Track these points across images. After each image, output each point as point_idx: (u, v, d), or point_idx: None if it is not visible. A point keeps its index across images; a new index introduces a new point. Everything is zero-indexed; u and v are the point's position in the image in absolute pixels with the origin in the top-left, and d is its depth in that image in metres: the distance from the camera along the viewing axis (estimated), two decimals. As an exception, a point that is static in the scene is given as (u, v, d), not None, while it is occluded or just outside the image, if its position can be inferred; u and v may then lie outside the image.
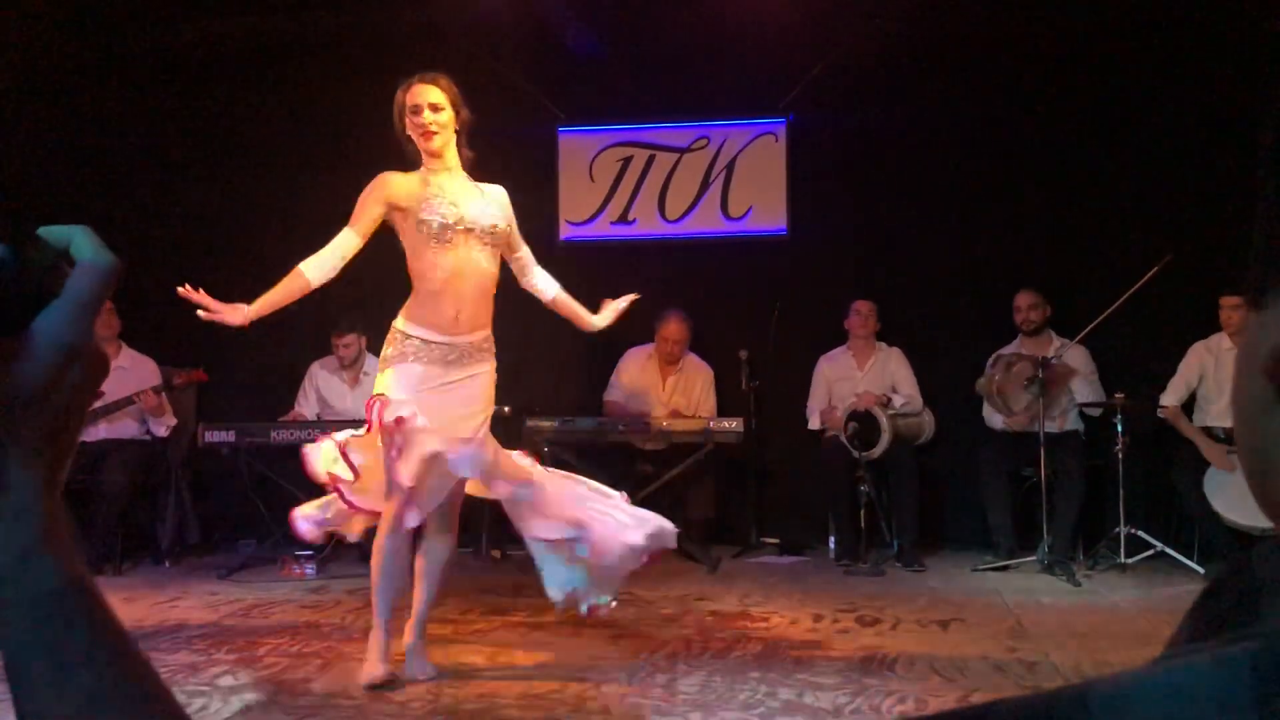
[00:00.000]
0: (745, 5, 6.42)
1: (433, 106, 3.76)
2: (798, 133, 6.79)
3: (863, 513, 5.74)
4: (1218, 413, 5.65)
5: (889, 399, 6.11)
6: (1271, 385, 0.41)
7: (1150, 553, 5.49)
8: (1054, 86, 6.44)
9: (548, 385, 6.80)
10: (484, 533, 6.19)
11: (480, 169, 7.31)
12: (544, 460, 6.19)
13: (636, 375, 6.50)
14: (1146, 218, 6.21)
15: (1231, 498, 5.27)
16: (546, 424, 6.00)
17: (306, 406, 6.46)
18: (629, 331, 6.54)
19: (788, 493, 6.64)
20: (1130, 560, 5.46)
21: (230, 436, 5.88)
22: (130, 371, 6.03)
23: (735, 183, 6.85)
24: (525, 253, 4.01)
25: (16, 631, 0.50)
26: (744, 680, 3.49)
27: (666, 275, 6.87)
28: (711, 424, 5.93)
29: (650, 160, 6.96)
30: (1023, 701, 0.36)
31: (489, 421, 3.76)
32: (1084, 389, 5.91)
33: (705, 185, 6.88)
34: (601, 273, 7.06)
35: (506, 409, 6.51)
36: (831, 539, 6.12)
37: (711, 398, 6.49)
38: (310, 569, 5.66)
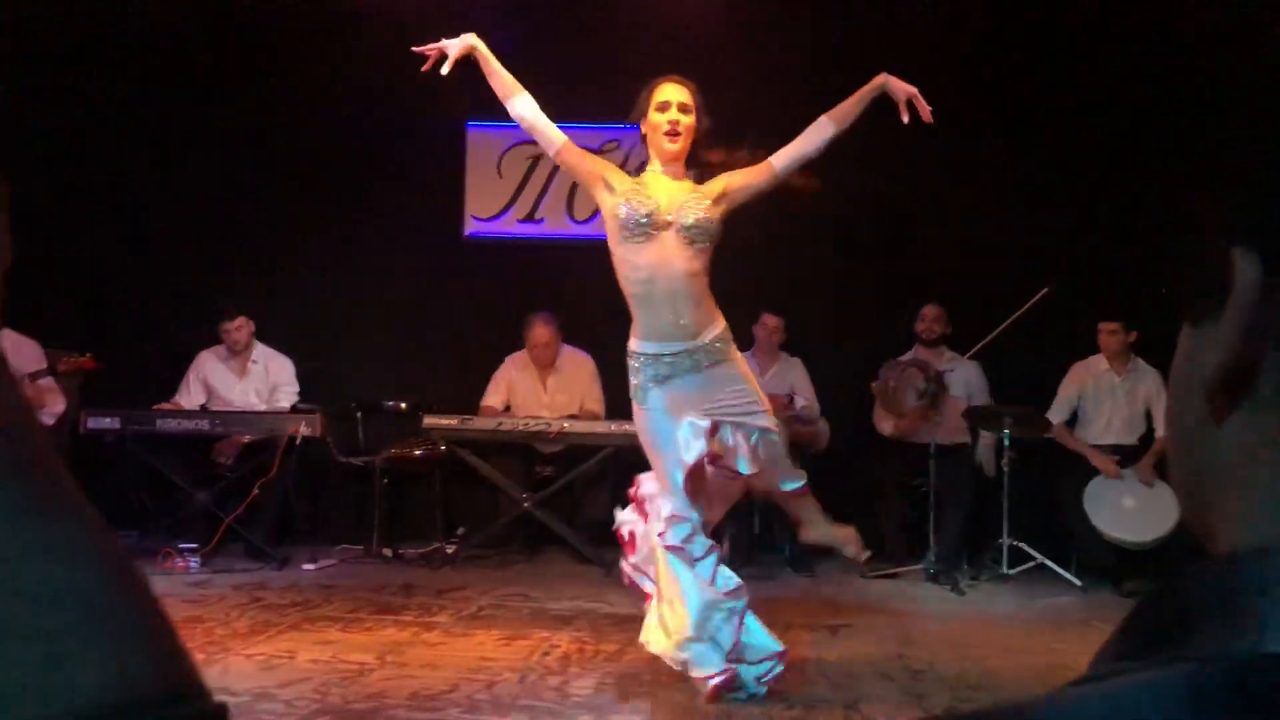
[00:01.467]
0: (660, 11, 6.45)
1: (683, 107, 3.61)
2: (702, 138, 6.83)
3: (756, 518, 5.80)
4: (1096, 432, 5.88)
5: (791, 398, 6.19)
6: (1208, 407, 0.42)
7: (1031, 564, 5.67)
8: (960, 107, 6.60)
9: (448, 383, 6.74)
10: (375, 531, 6.10)
11: (387, 160, 7.24)
12: (440, 459, 6.16)
13: (515, 381, 6.46)
14: (1035, 242, 6.41)
15: (1110, 514, 5.48)
16: (445, 422, 5.93)
17: (188, 397, 6.26)
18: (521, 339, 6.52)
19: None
20: (1012, 571, 5.63)
21: (115, 423, 5.69)
22: (9, 355, 5.78)
23: (643, 187, 6.86)
24: (781, 156, 3.86)
25: None
26: (636, 683, 3.50)
27: (572, 275, 6.86)
28: (612, 427, 5.93)
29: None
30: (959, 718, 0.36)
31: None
32: (976, 404, 6.07)
33: (614, 188, 6.88)
34: (507, 270, 7.03)
35: (404, 405, 6.46)
36: (725, 544, 6.17)
37: (596, 388, 6.47)
38: (194, 562, 5.51)
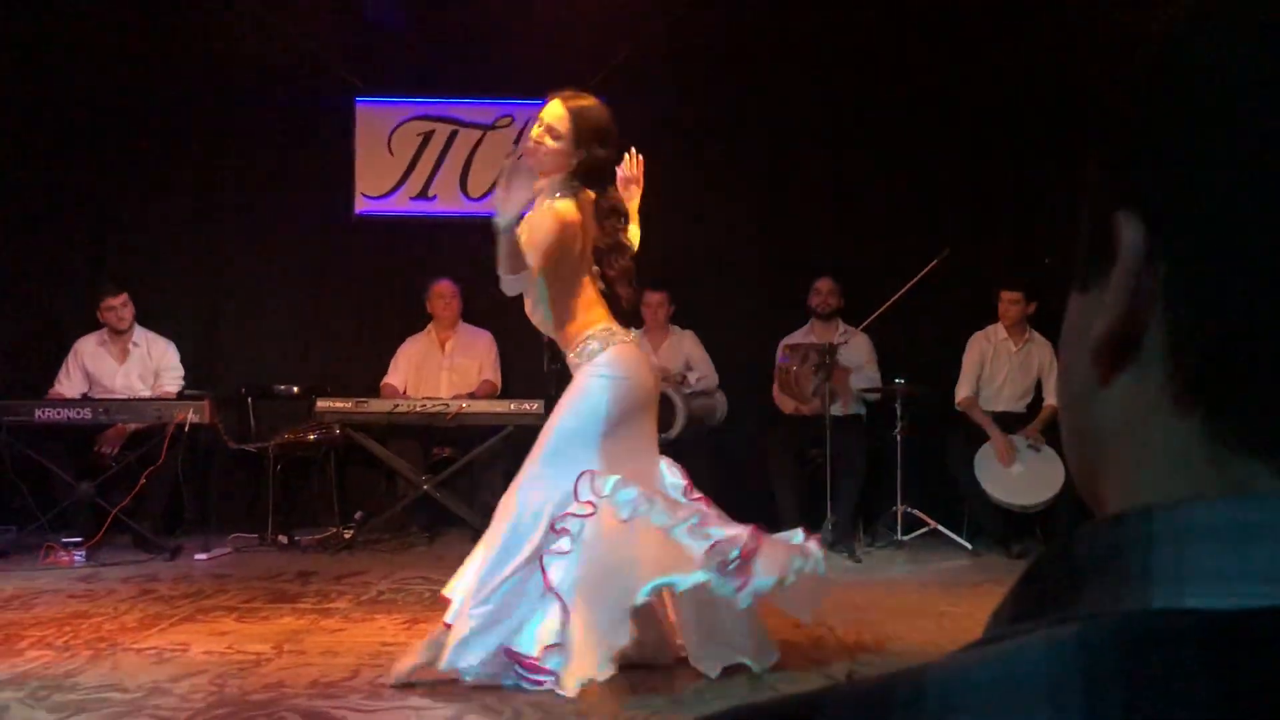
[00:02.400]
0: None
1: (544, 125, 3.47)
2: (601, 115, 6.81)
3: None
4: (987, 398, 6.05)
5: (684, 377, 6.24)
6: (1096, 370, 0.42)
7: (924, 530, 5.82)
8: (849, 79, 6.70)
9: (341, 366, 6.62)
10: (269, 518, 5.97)
11: (273, 137, 7.05)
12: (334, 443, 6.05)
13: (414, 355, 6.41)
14: (928, 213, 6.55)
15: (999, 479, 5.66)
16: (339, 405, 5.82)
17: (69, 386, 6.03)
18: (422, 316, 6.43)
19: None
20: (906, 537, 5.78)
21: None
22: None
23: (539, 163, 6.81)
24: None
25: None
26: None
27: (467, 253, 6.77)
28: (512, 406, 5.89)
29: (453, 136, 6.84)
30: (858, 688, 0.36)
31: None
32: (864, 376, 6.20)
33: (509, 164, 6.81)
34: (400, 248, 6.91)
35: (296, 389, 6.32)
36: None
37: (493, 357, 6.44)
38: (79, 556, 5.32)
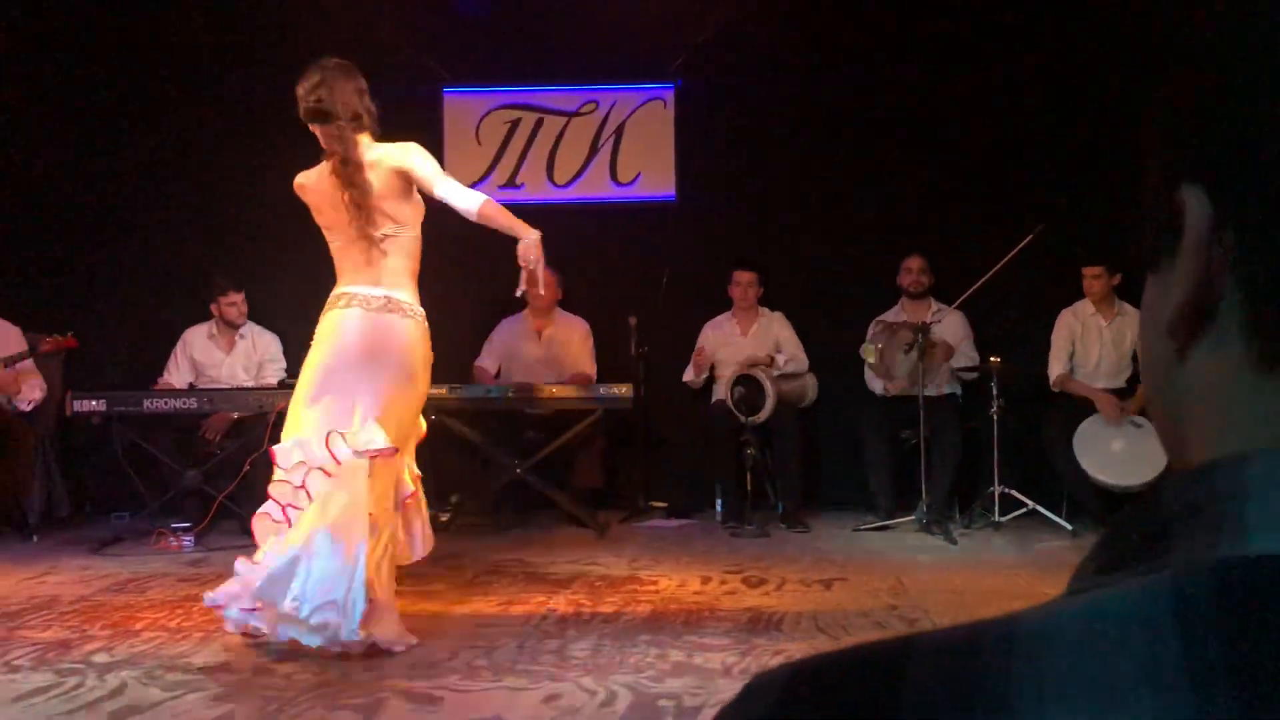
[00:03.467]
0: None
1: (313, 94, 3.79)
2: (686, 98, 6.80)
3: (748, 476, 5.83)
4: (1084, 376, 5.91)
5: (773, 358, 6.20)
6: (1174, 344, 0.43)
7: (1022, 511, 5.71)
8: (938, 55, 6.57)
9: (436, 352, 6.71)
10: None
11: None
12: (430, 428, 6.15)
13: (508, 339, 6.47)
14: (1018, 190, 6.41)
15: (1099, 457, 5.51)
16: (434, 391, 5.91)
17: (177, 375, 6.25)
18: (511, 302, 6.50)
19: (675, 457, 6.70)
20: (1003, 519, 5.67)
21: (101, 405, 5.65)
22: (-11, 337, 5.74)
23: (624, 148, 6.83)
24: (427, 176, 3.92)
25: None
26: (634, 643, 3.52)
27: (555, 240, 6.81)
28: (601, 390, 5.93)
29: (539, 124, 6.89)
30: (948, 633, 0.36)
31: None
32: (960, 355, 6.09)
33: (594, 150, 6.85)
34: (487, 237, 6.97)
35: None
36: (718, 502, 6.21)
37: (588, 348, 6.48)
38: (188, 541, 5.51)
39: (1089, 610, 0.35)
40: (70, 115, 6.78)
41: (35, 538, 5.76)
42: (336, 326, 3.72)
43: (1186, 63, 0.43)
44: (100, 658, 3.40)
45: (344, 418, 3.54)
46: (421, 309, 3.82)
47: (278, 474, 3.63)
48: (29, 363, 5.86)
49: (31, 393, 5.85)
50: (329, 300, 3.80)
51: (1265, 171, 0.39)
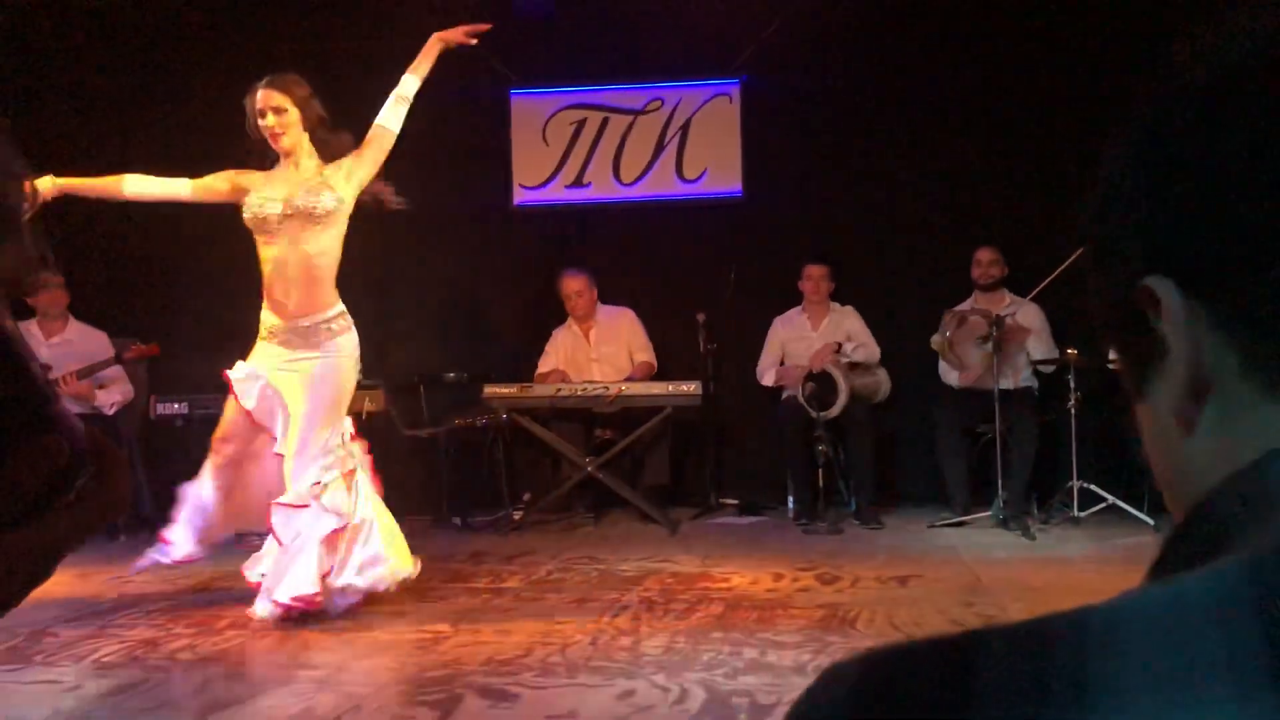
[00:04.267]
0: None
1: (276, 110, 3.94)
2: (752, 94, 6.77)
3: (820, 472, 5.79)
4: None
5: (840, 345, 6.14)
6: (1179, 426, 0.45)
7: (1102, 506, 5.59)
8: (1007, 43, 6.47)
9: (504, 352, 6.78)
10: (443, 501, 6.18)
11: (433, 134, 7.25)
12: (501, 428, 6.20)
13: (562, 346, 6.50)
14: (1095, 177, 6.27)
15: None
16: (504, 391, 5.97)
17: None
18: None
19: (746, 454, 6.67)
20: (1083, 514, 5.56)
21: (184, 408, 5.80)
22: (78, 345, 5.91)
23: (690, 145, 6.82)
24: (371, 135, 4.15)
25: None
26: (707, 640, 3.52)
27: (622, 238, 6.85)
28: (670, 387, 5.93)
29: (604, 123, 6.91)
30: (1018, 626, 0.36)
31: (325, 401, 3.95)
32: (1037, 346, 5.98)
33: (660, 148, 6.85)
34: (556, 237, 7.04)
35: (466, 375, 6.52)
36: (790, 499, 6.17)
37: (640, 335, 6.48)
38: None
39: (1162, 600, 0.34)
40: (152, 125, 6.95)
41: (122, 537, 5.92)
42: None
43: (1133, 153, 0.45)
44: (186, 655, 3.49)
45: None
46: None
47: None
48: (117, 368, 6.03)
49: (111, 396, 6.01)
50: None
51: (1230, 253, 0.40)
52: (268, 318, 4.01)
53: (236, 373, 3.99)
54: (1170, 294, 0.41)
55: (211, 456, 4.02)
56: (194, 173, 4.31)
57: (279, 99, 3.93)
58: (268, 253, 3.97)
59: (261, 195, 3.95)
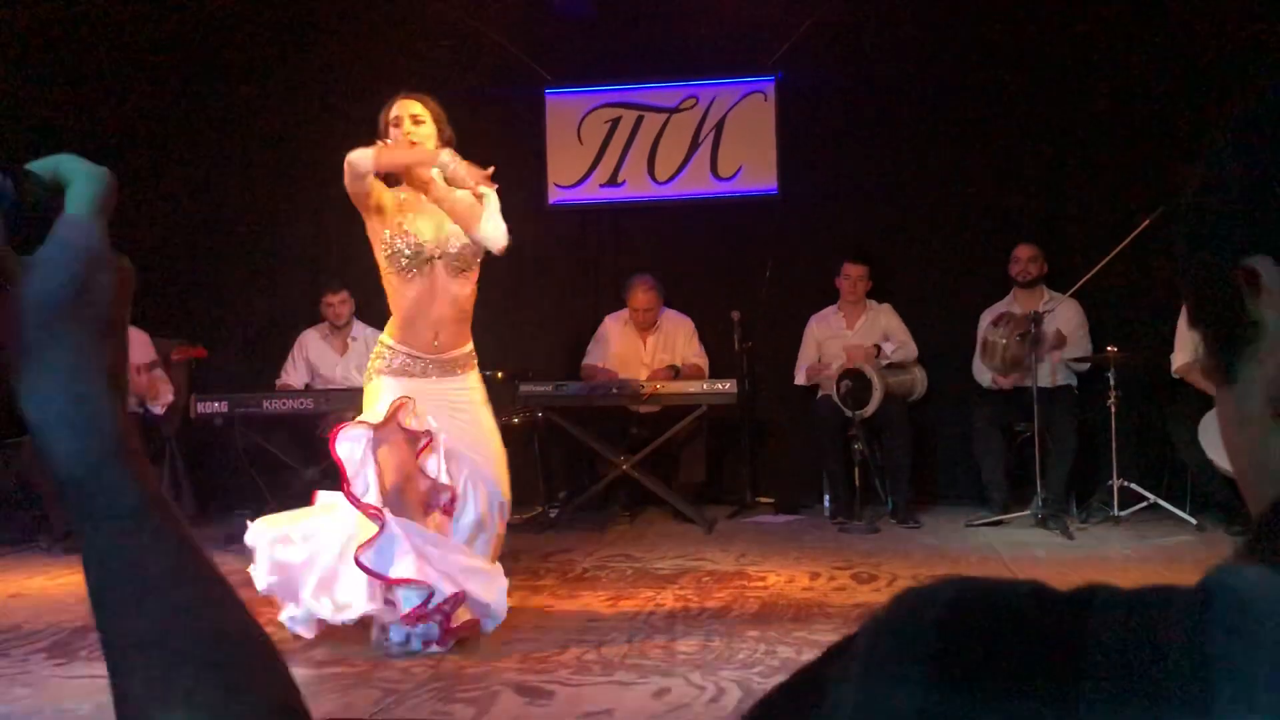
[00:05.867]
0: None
1: (414, 118, 3.79)
2: (787, 91, 6.75)
3: (857, 470, 5.76)
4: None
5: (878, 348, 6.11)
6: (1270, 415, 0.44)
7: (1143, 505, 5.52)
8: (1046, 39, 6.40)
9: (540, 351, 6.80)
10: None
11: (467, 133, 7.26)
12: (537, 426, 6.22)
13: (615, 340, 6.49)
14: (1136, 171, 6.19)
15: (1225, 447, 5.28)
16: (540, 389, 5.99)
17: (294, 375, 6.44)
18: (616, 300, 6.53)
19: (782, 452, 6.65)
20: (1123, 513, 5.49)
21: (223, 407, 5.86)
22: (122, 343, 5.99)
23: (725, 142, 6.81)
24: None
25: (96, 550, 0.51)
26: (742, 639, 3.51)
27: (657, 237, 6.85)
28: (705, 385, 5.93)
29: (639, 121, 6.91)
30: (1139, 590, 0.36)
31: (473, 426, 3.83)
32: (1074, 344, 5.92)
33: (695, 145, 6.84)
34: (591, 236, 7.05)
35: (500, 374, 6.53)
36: (826, 497, 6.15)
37: (695, 344, 6.48)
38: (307, 537, 5.66)
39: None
40: (188, 129, 7.04)
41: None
42: None
43: (1240, 137, 0.44)
44: (226, 650, 3.52)
45: None
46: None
47: None
48: (160, 370, 6.11)
49: (165, 396, 6.10)
50: None
51: None
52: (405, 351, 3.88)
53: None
54: (1272, 272, 0.41)
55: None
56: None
57: (418, 107, 3.82)
58: (409, 290, 3.80)
59: (411, 229, 3.79)
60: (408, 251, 3.72)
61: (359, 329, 6.52)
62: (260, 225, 7.10)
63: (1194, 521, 5.36)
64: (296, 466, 5.93)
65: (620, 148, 6.93)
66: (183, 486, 6.27)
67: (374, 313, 6.65)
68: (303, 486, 5.90)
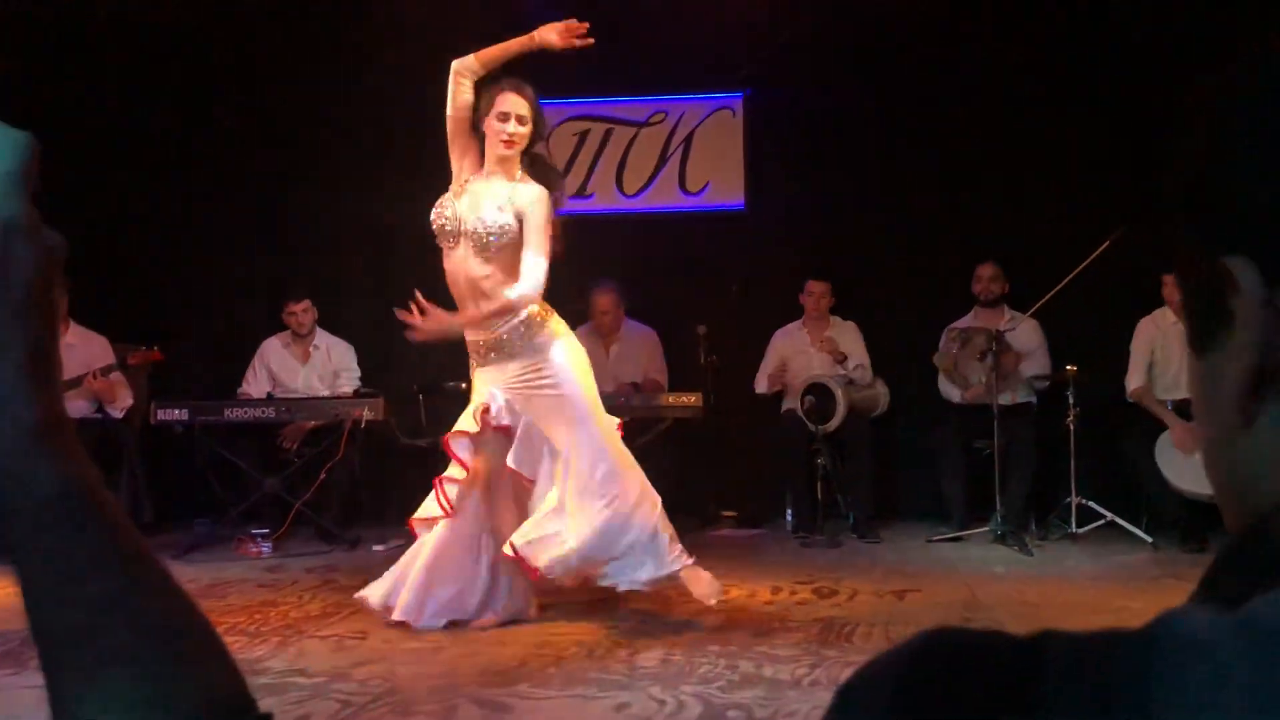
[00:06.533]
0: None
1: (520, 119, 3.91)
2: (755, 107, 6.79)
3: (819, 485, 5.79)
4: (1165, 386, 5.75)
5: (845, 357, 6.15)
6: (1238, 414, 0.43)
7: (1100, 523, 5.59)
8: (1011, 60, 6.48)
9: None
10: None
11: (437, 143, 7.24)
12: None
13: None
14: (1096, 194, 6.28)
15: (1183, 467, 5.36)
16: (504, 400, 5.96)
17: (254, 385, 6.38)
18: (582, 314, 6.54)
19: (746, 466, 6.67)
20: (1081, 530, 5.56)
21: (184, 415, 5.80)
22: (79, 349, 5.91)
23: (693, 157, 6.84)
24: (525, 257, 3.95)
25: (18, 539, 0.48)
26: (703, 653, 3.52)
27: (624, 250, 6.86)
28: (670, 399, 5.93)
29: (608, 134, 6.92)
30: (1088, 634, 0.36)
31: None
32: (1030, 364, 5.99)
33: (663, 159, 6.86)
34: (558, 247, 7.03)
35: (464, 385, 6.50)
36: (789, 512, 6.17)
37: (658, 359, 6.49)
38: (266, 547, 5.62)
39: (1232, 626, 0.34)
40: (149, 135, 6.97)
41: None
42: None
43: (1212, 130, 0.44)
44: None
45: None
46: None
47: None
48: (118, 373, 6.04)
49: (124, 400, 6.04)
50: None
51: None
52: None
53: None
54: (1247, 276, 0.40)
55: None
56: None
57: (525, 108, 3.91)
58: (447, 264, 4.05)
59: (452, 204, 4.01)
60: (441, 224, 3.93)
61: (322, 337, 6.48)
62: (222, 232, 7.05)
63: (1149, 540, 5.43)
64: (257, 476, 5.87)
65: (589, 160, 6.94)
66: (141, 494, 6.19)
67: (336, 322, 6.64)
68: (263, 497, 5.86)
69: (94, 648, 0.47)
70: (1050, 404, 6.03)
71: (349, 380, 6.45)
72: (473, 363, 4.05)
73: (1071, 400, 5.60)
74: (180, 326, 6.85)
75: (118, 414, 6.02)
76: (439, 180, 6.92)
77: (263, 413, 5.93)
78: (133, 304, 6.80)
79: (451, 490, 3.93)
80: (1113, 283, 5.88)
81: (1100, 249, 5.43)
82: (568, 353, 3.97)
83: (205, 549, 5.67)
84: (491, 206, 3.87)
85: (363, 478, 6.16)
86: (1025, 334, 5.97)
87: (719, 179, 6.83)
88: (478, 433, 3.90)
